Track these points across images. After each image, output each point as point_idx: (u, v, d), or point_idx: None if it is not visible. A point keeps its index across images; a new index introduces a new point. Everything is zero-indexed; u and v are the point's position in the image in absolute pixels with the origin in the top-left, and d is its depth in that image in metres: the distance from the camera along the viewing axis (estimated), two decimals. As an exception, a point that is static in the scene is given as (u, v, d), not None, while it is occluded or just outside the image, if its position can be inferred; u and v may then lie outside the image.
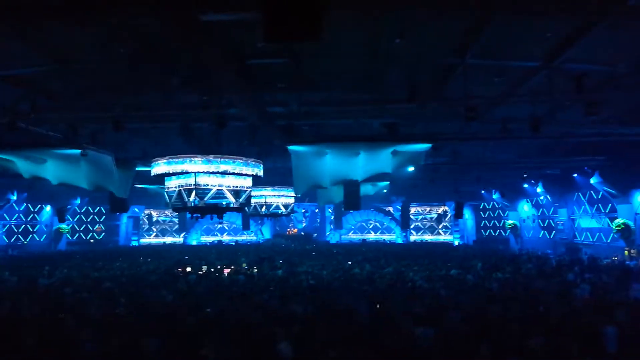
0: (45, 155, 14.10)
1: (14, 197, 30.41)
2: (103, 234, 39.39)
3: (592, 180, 22.30)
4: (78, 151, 12.98)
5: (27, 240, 33.76)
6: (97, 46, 9.03)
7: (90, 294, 12.70)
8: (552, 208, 30.39)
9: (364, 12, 7.84)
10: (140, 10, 6.71)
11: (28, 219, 33.98)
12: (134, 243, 40.65)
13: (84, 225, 38.56)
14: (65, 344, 7.81)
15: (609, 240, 24.47)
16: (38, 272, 18.07)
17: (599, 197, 24.76)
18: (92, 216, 38.84)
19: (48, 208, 34.28)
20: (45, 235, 34.85)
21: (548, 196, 29.56)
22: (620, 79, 10.24)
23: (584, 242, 27.03)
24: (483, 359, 6.92)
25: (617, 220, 22.50)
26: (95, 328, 8.47)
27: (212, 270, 18.92)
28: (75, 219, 37.54)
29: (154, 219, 42.89)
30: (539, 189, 28.59)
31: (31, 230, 34.17)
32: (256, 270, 18.78)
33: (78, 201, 34.93)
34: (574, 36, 8.57)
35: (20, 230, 33.60)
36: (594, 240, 26.09)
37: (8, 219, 32.93)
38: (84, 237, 38.36)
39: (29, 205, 33.49)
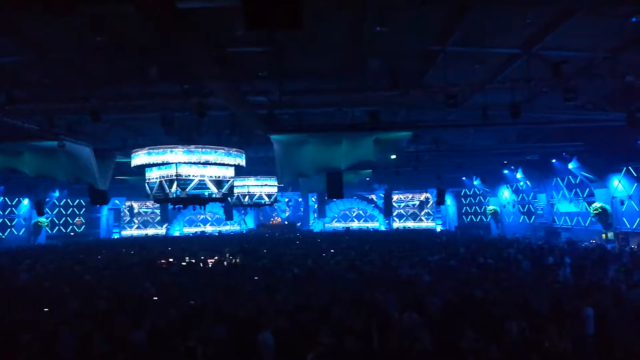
0: (22, 148, 13.81)
1: (-9, 191, 29.85)
2: (83, 226, 38.87)
3: (570, 166, 22.67)
4: (55, 143, 12.74)
5: (5, 234, 33.06)
6: (74, 35, 8.82)
7: (72, 288, 12.54)
8: (532, 193, 30.86)
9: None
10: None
11: (6, 213, 33.23)
12: (116, 235, 40.22)
13: (64, 218, 37.95)
14: (47, 337, 7.71)
15: (586, 224, 24.98)
16: (17, 266, 17.79)
17: (577, 181, 25.20)
18: (71, 209, 38.25)
19: (26, 201, 33.56)
20: (23, 229, 34.16)
21: (527, 182, 30.00)
22: (597, 65, 10.38)
23: (563, 226, 27.56)
24: (466, 344, 7.03)
25: (594, 205, 22.96)
26: (77, 322, 8.38)
27: (195, 261, 18.83)
28: (54, 212, 36.91)
29: (136, 210, 42.47)
30: (518, 175, 29.00)
31: (9, 224, 33.45)
32: (239, 260, 18.75)
33: (57, 194, 34.34)
34: (552, 23, 8.65)
35: (-3, 224, 32.96)
36: (573, 224, 26.61)
37: (-15, 214, 32.31)
38: (64, 230, 37.76)
39: (6, 198, 32.75)
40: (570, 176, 25.61)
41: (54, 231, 36.90)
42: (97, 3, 7.11)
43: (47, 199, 33.19)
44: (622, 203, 21.97)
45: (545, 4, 8.08)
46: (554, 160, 24.04)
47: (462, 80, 11.23)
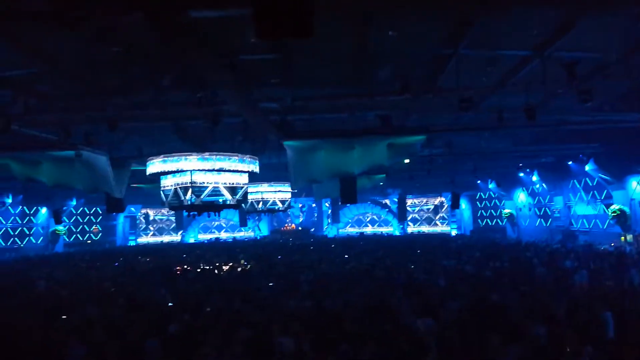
0: (40, 157, 14.02)
1: (9, 201, 30.33)
2: (100, 234, 39.26)
3: (587, 168, 22.39)
4: (72, 152, 12.92)
5: (24, 243, 33.59)
6: (87, 46, 8.95)
7: (89, 295, 12.67)
8: (548, 196, 30.50)
9: (354, 6, 7.80)
10: (128, 8, 6.66)
11: (24, 222, 33.80)
12: (132, 243, 40.57)
13: (81, 226, 38.40)
14: (64, 346, 7.78)
15: (605, 227, 24.59)
16: (36, 274, 18.03)
17: (594, 184, 24.86)
18: (88, 217, 38.68)
19: (44, 210, 34.06)
20: (42, 238, 34.65)
21: (544, 184, 29.65)
22: (612, 65, 10.26)
23: (581, 229, 27.16)
24: (483, 348, 6.95)
25: (612, 207, 22.61)
26: (93, 329, 8.46)
27: (210, 267, 18.92)
28: (71, 220, 37.39)
29: (151, 218, 42.80)
30: (534, 178, 28.68)
31: (27, 232, 34.00)
32: (254, 266, 18.80)
33: (74, 202, 34.78)
34: (565, 24, 8.57)
35: (16, 233, 33.42)
36: (590, 227, 26.22)
37: (4, 222, 32.82)
38: (81, 238, 38.20)
39: (25, 207, 33.33)
40: (587, 178, 25.27)
41: (72, 239, 37.36)
42: (106, 14, 7.19)
43: (65, 208, 33.64)
44: (641, 205, 21.62)
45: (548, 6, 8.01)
46: (570, 163, 23.73)
47: (475, 83, 11.16)
